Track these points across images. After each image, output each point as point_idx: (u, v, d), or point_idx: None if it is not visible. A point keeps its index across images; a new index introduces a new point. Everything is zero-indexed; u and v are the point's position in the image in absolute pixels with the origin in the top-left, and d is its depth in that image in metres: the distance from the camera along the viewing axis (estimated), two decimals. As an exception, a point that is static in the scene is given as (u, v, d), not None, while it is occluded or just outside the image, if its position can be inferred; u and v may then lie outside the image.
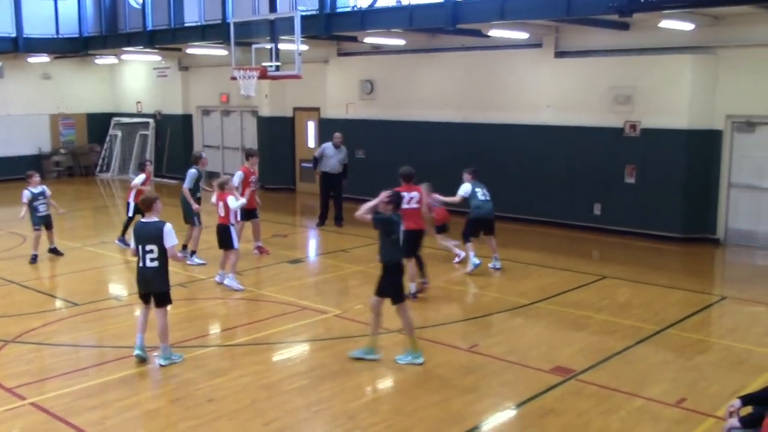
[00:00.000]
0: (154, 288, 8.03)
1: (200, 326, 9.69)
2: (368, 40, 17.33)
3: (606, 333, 9.17)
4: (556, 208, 15.74)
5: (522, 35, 14.96)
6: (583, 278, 11.68)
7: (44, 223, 13.04)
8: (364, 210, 8.11)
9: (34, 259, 12.76)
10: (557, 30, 15.22)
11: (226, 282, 11.18)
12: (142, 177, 13.66)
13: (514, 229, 15.55)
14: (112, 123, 25.48)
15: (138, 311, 8.53)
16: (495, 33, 14.85)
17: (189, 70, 23.51)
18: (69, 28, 22.83)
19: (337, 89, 19.49)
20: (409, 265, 10.18)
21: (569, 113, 15.39)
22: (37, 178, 13.14)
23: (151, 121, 24.37)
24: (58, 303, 10.75)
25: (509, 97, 16.29)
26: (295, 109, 20.70)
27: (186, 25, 19.93)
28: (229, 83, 17.26)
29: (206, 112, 23.50)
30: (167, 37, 20.19)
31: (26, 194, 12.82)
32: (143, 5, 20.70)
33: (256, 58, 15.57)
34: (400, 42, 17.03)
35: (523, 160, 16.09)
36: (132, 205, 13.64)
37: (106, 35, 22.34)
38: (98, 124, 25.58)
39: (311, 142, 20.35)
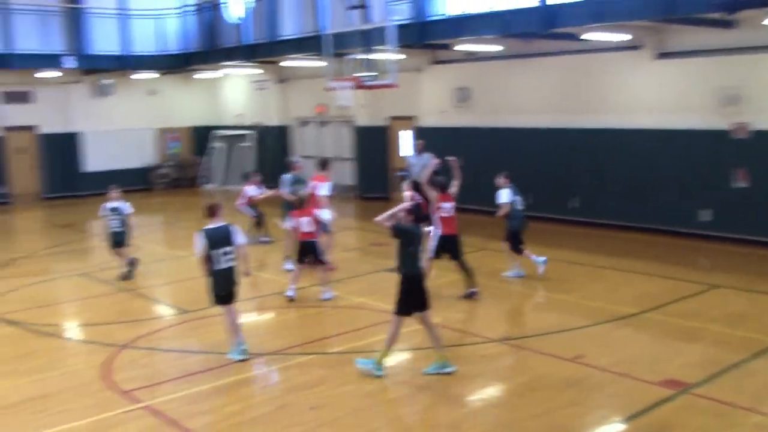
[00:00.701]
0: (234, 287, 8.39)
1: (301, 334, 9.83)
2: (462, 47, 17.26)
3: (718, 344, 8.77)
4: (658, 215, 15.20)
5: (620, 37, 14.56)
6: (691, 287, 11.21)
7: (114, 240, 12.65)
8: (384, 217, 8.00)
9: (125, 275, 12.57)
10: (657, 31, 14.72)
11: (326, 296, 11.13)
12: (253, 187, 15.10)
13: (611, 236, 15.12)
14: (214, 135, 26.30)
15: (228, 314, 8.65)
16: (591, 36, 14.50)
17: (286, 83, 24.00)
18: (173, 45, 23.75)
19: (431, 97, 19.49)
20: (426, 264, 10.18)
21: (670, 116, 14.85)
22: (113, 193, 12.75)
23: (251, 132, 25.00)
24: (168, 310, 11.13)
25: (607, 101, 15.87)
26: (391, 118, 20.81)
27: (283, 38, 20.37)
28: (325, 94, 17.53)
29: (304, 122, 23.93)
30: (265, 51, 20.69)
31: (102, 209, 12.79)
32: (242, 20, 21.29)
33: (352, 69, 15.73)
34: (494, 48, 16.87)
35: (621, 165, 15.63)
36: (248, 208, 15.31)
37: (208, 51, 23.10)
38: (201, 136, 26.45)
39: (406, 151, 20.39)
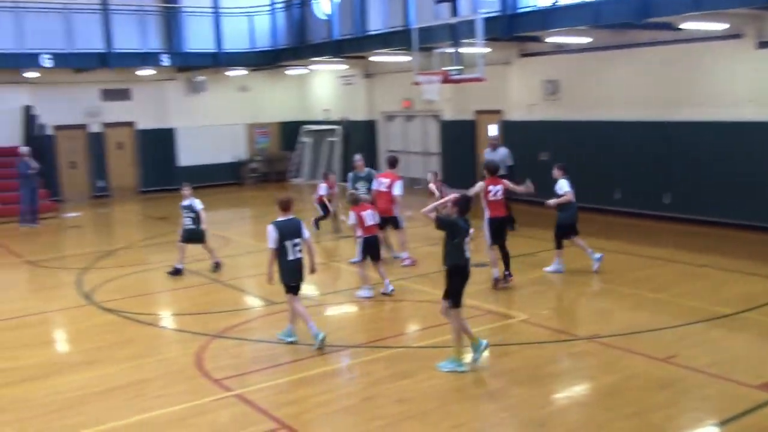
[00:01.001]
0: (303, 276, 8.78)
1: (386, 328, 9.89)
2: (551, 39, 16.95)
3: (823, 348, 8.34)
4: (759, 211, 14.53)
5: (719, 26, 13.98)
6: (794, 287, 10.69)
7: (187, 237, 12.80)
8: (429, 208, 8.22)
9: (174, 272, 12.70)
10: (758, 19, 14.05)
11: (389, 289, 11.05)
12: (324, 186, 15.51)
13: (707, 233, 14.57)
14: (302, 130, 26.71)
15: (297, 303, 9.16)
16: (688, 25, 13.98)
17: (373, 77, 24.15)
18: (263, 42, 24.25)
19: (519, 91, 19.24)
20: (491, 253, 11.02)
21: (774, 108, 14.18)
22: (186, 191, 12.95)
23: (337, 127, 25.28)
24: (256, 301, 11.38)
25: (704, 92, 15.27)
26: (477, 112, 20.65)
27: (370, 33, 20.49)
28: (411, 88, 17.55)
29: (390, 117, 24.03)
30: (352, 46, 20.87)
31: (181, 206, 13.04)
32: (330, 16, 21.53)
33: (439, 63, 15.68)
34: (585, 40, 16.49)
35: (720, 159, 15.00)
36: (319, 206, 15.71)
37: (297, 47, 23.48)
38: (289, 131, 26.92)
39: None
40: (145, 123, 24.69)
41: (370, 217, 10.98)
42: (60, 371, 8.51)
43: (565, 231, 11.88)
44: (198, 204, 12.78)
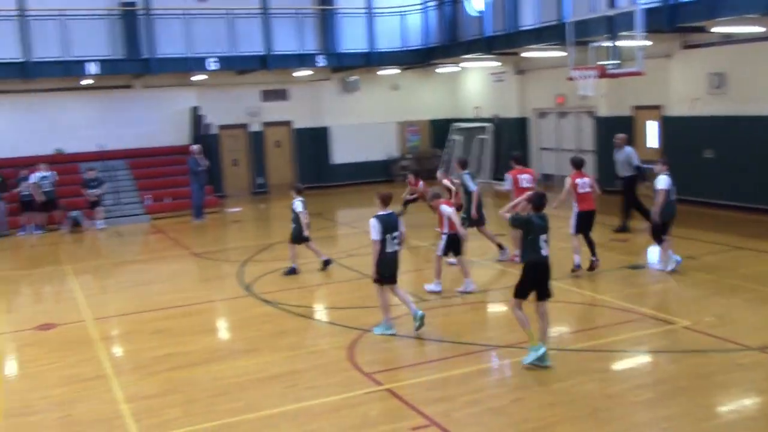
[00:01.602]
0: (397, 269, 9.20)
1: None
2: (718, 29, 15.95)
3: None
4: None
5: None
6: None
7: (291, 237, 13.07)
8: (506, 208, 8.53)
9: (289, 271, 12.97)
10: None
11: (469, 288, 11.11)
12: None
13: None
14: (452, 128, 26.72)
15: (398, 291, 9.23)
16: None
17: (525, 74, 23.76)
18: (415, 40, 24.47)
19: (681, 85, 18.26)
20: (574, 240, 11.65)
21: None
22: (292, 191, 13.60)
23: (488, 125, 25.09)
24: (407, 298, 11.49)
25: None
26: (635, 108, 19.82)
27: (523, 28, 20.16)
28: (565, 84, 17.11)
29: (542, 114, 23.56)
30: (504, 43, 20.62)
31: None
32: (482, 13, 21.38)
33: (594, 57, 15.18)
34: (755, 29, 15.39)
35: None
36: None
37: (448, 45, 23.50)
38: (440, 129, 27.02)
39: (652, 142, 19.33)
40: (301, 122, 25.61)
41: (454, 213, 11.05)
42: (223, 358, 9.00)
43: (660, 228, 11.61)
44: (298, 206, 13.01)
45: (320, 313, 11.14)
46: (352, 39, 23.86)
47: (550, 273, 8.08)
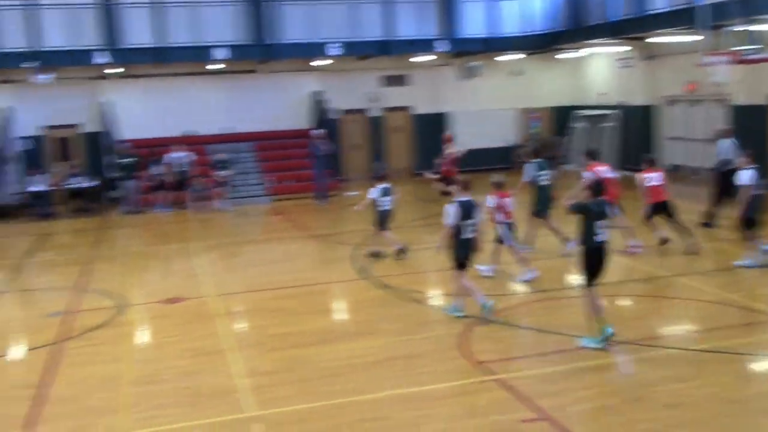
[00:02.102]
0: (473, 255, 9.43)
1: (658, 326, 9.35)
2: None
3: None
4: None
5: None
6: None
7: (383, 219, 13.20)
8: (568, 197, 8.95)
9: (397, 254, 13.13)
10: None
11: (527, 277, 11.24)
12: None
13: None
14: (575, 115, 26.04)
15: (464, 279, 8.95)
16: None
17: (653, 59, 22.79)
18: (538, 25, 23.96)
19: (827, 72, 17.02)
20: (649, 223, 12.47)
21: None
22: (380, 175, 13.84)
23: (613, 112, 24.29)
24: (524, 287, 11.35)
25: None
26: (773, 96, 18.64)
27: (652, 12, 19.33)
28: (697, 70, 16.32)
29: (671, 101, 22.55)
30: (633, 27, 19.85)
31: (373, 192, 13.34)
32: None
33: (729, 42, 14.37)
34: None
35: None
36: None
37: (573, 29, 22.86)
38: (562, 116, 26.39)
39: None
40: (420, 108, 25.65)
41: (510, 204, 11.23)
42: (337, 339, 9.19)
43: (746, 223, 11.30)
44: (372, 192, 13.24)
45: (434, 298, 11.16)
46: (473, 24, 23.64)
47: (607, 258, 8.27)
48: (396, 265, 12.84)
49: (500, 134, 26.14)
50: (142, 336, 9.96)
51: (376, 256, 13.26)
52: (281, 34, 21.82)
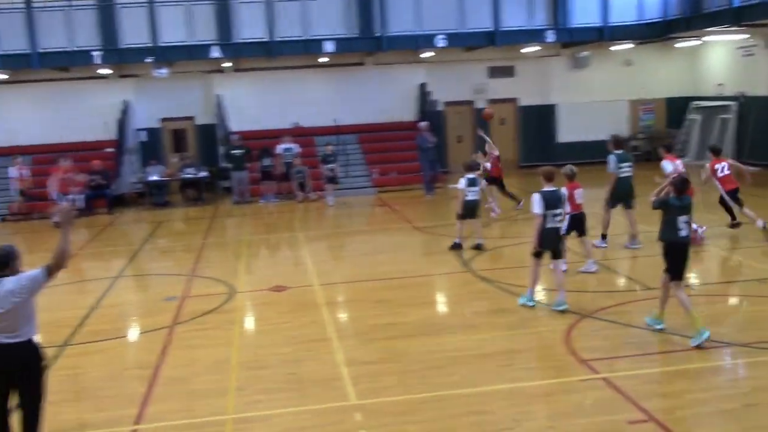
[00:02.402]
0: (558, 244, 9.69)
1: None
2: None
3: None
4: None
5: None
6: None
7: (471, 208, 13.27)
8: (655, 193, 8.62)
9: (454, 246, 13.29)
10: None
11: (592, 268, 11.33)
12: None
13: None
14: (690, 107, 24.96)
15: (537, 267, 9.24)
16: None
17: (778, 47, 21.55)
18: (652, 13, 23.05)
19: None
20: (747, 212, 12.79)
21: None
22: (471, 163, 14.11)
23: (732, 104, 23.12)
24: (632, 284, 11.00)
25: None
26: None
27: (778, -3, 18.23)
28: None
29: (796, 92, 21.27)
30: (756, 13, 18.78)
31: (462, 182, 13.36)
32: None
33: None
34: None
35: None
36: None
37: (689, 17, 21.87)
38: (677, 108, 25.36)
39: None
40: (527, 99, 25.23)
41: (580, 195, 11.26)
42: (438, 331, 9.17)
43: None
44: (460, 182, 13.36)
45: (538, 294, 10.95)
46: (583, 12, 22.94)
47: (687, 254, 8.27)
48: (499, 258, 12.71)
49: (610, 126, 25.27)
50: (250, 322, 10.25)
51: (478, 248, 13.17)
52: (389, 26, 21.89)
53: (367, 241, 15.71)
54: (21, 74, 22.27)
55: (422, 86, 24.14)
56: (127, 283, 12.96)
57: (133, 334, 10.09)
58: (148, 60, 20.67)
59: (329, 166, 20.50)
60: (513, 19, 22.69)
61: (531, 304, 9.71)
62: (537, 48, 23.71)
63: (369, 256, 13.89)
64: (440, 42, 21.79)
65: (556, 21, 23.19)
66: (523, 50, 23.99)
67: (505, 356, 8.13)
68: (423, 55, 23.59)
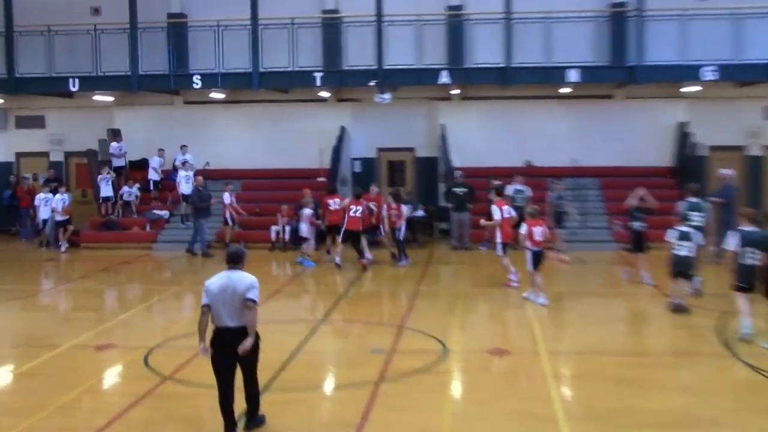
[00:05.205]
0: (753, 281, 11.42)
1: None
2: None
3: None
4: None
5: None
6: None
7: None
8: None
9: (676, 309, 13.54)
10: None
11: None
12: None
13: None
14: None
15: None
16: None
17: None
18: None
19: None
20: None
21: None
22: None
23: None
24: None
25: None
26: None
27: None
28: None
29: None
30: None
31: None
32: None
33: None
34: None
35: None
36: None
37: None
38: None
39: None
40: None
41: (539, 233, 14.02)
42: (692, 425, 8.61)
43: None
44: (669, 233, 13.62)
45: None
46: None
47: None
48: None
49: None
50: (464, 388, 10.22)
51: (680, 310, 13.26)
52: (645, 54, 21.21)
53: (601, 305, 15.17)
54: (238, 94, 24.17)
55: (681, 126, 23.13)
56: (332, 328, 13.46)
57: (336, 386, 10.42)
58: (371, 83, 21.51)
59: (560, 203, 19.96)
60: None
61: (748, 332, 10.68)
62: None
63: (607, 323, 13.40)
64: (708, 74, 20.82)
65: None
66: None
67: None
68: (684, 90, 22.64)
